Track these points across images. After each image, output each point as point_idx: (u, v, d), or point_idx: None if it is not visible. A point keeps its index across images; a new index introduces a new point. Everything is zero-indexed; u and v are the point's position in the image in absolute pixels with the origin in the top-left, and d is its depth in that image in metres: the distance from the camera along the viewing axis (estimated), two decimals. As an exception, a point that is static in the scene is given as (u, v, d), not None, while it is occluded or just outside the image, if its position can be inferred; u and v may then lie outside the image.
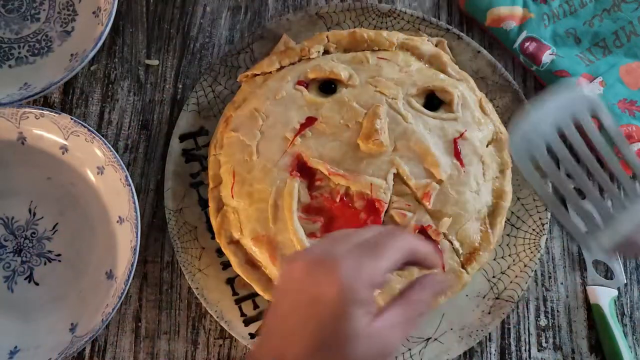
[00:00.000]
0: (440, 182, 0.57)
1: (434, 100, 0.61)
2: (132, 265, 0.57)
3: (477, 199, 0.58)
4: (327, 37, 0.65)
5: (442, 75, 0.62)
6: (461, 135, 0.59)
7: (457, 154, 0.58)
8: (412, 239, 0.39)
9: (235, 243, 0.59)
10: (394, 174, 0.57)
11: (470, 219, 0.57)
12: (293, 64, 0.64)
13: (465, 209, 0.57)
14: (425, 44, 0.64)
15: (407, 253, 0.38)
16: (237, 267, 0.59)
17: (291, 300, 0.36)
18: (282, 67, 0.64)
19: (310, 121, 0.59)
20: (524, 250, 0.62)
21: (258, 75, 0.64)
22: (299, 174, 0.57)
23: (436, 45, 0.66)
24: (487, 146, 0.61)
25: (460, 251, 0.57)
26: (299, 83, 0.62)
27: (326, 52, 0.64)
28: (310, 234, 0.56)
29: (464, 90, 0.61)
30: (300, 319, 0.35)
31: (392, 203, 0.57)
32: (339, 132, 0.59)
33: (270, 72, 0.64)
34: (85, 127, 0.61)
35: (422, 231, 0.56)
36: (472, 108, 0.61)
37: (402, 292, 0.39)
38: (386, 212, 0.56)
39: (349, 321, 0.34)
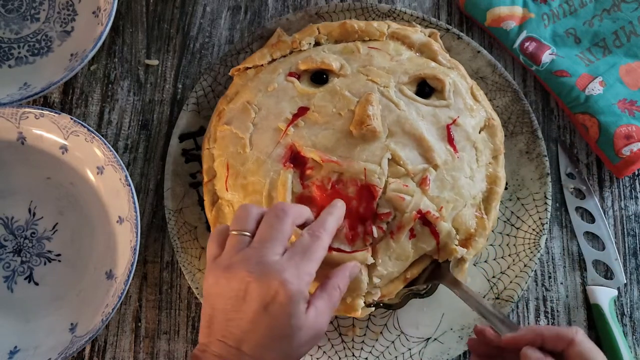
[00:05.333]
0: (436, 167, 0.57)
1: (425, 88, 0.61)
2: (132, 265, 0.57)
3: (472, 185, 0.58)
4: (317, 29, 0.65)
5: (433, 63, 0.62)
6: (454, 121, 0.59)
7: (450, 140, 0.58)
8: (327, 240, 0.49)
9: (231, 236, 0.59)
10: (389, 159, 0.57)
11: (466, 204, 0.57)
12: (284, 56, 0.64)
13: (460, 194, 0.57)
14: (416, 33, 0.64)
15: (325, 253, 0.48)
16: None
17: (240, 302, 0.44)
18: (273, 60, 0.64)
19: (302, 111, 0.59)
20: (523, 250, 0.62)
21: (250, 68, 0.64)
22: (292, 165, 0.57)
23: (429, 37, 0.65)
24: (479, 132, 0.61)
25: (457, 237, 0.57)
26: (291, 75, 0.62)
27: (317, 43, 0.65)
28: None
29: (455, 78, 0.61)
30: (256, 316, 0.44)
31: (388, 184, 0.56)
32: (332, 120, 0.58)
33: (262, 65, 0.64)
34: (85, 127, 0.61)
35: (422, 217, 0.55)
36: (463, 95, 0.60)
37: (323, 283, 0.49)
38: (384, 194, 0.55)
39: (295, 317, 0.44)
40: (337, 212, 0.52)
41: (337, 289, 0.49)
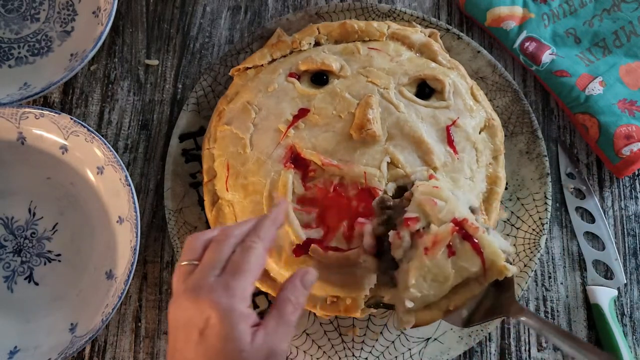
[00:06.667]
0: (435, 169, 0.57)
1: (425, 89, 0.61)
2: (132, 265, 0.57)
3: (472, 186, 0.58)
4: (317, 29, 0.65)
5: (432, 64, 0.62)
6: (453, 122, 0.59)
7: (450, 142, 0.58)
8: (261, 246, 0.45)
9: (231, 236, 0.59)
10: (388, 162, 0.56)
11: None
12: (284, 56, 0.64)
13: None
14: (416, 33, 0.64)
15: (264, 259, 0.45)
16: None
17: (183, 332, 0.42)
18: (273, 60, 0.64)
19: (302, 112, 0.59)
20: (523, 250, 0.62)
21: (250, 68, 0.64)
22: (293, 166, 0.57)
23: (429, 37, 0.66)
24: (479, 133, 0.61)
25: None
26: (291, 75, 0.62)
27: (317, 43, 0.65)
28: (306, 225, 0.56)
29: (455, 78, 0.61)
30: (196, 344, 0.41)
31: (417, 187, 0.52)
32: (332, 122, 0.58)
33: (262, 65, 0.64)
34: (85, 127, 0.61)
35: (461, 229, 0.49)
36: (463, 95, 0.61)
37: (275, 298, 0.45)
38: (413, 197, 0.51)
39: (234, 340, 0.40)
40: (273, 213, 0.48)
41: (288, 302, 0.44)
